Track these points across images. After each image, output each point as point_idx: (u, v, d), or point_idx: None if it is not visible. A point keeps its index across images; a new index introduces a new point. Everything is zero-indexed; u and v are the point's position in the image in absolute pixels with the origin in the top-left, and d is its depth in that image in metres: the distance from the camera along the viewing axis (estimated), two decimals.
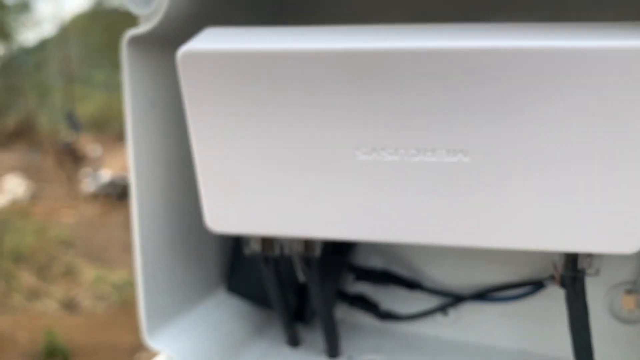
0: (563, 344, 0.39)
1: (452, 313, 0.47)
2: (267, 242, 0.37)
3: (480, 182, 0.30)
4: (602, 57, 0.26)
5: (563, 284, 0.35)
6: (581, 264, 0.33)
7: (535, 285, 0.43)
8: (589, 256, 0.33)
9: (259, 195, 0.33)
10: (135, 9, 0.35)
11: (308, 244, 0.37)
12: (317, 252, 0.37)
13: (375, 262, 0.49)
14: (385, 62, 0.29)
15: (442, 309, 0.46)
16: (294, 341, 0.46)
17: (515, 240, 0.31)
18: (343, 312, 0.50)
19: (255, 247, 0.37)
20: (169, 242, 0.40)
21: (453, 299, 0.46)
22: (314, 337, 0.46)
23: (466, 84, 0.28)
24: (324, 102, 0.30)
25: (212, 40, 0.31)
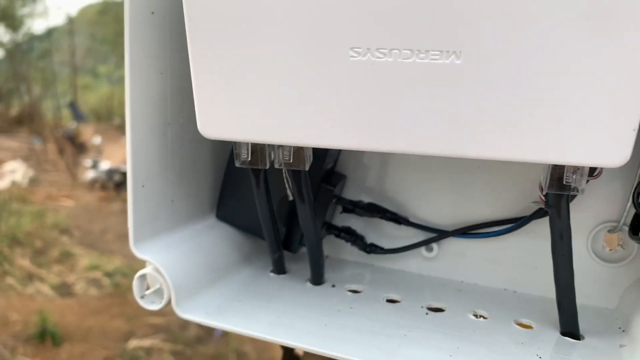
0: (545, 284, 0.40)
1: (436, 248, 0.47)
2: (257, 152, 0.38)
3: (472, 85, 0.30)
4: None
5: (548, 203, 0.35)
6: (566, 179, 0.34)
7: (516, 223, 0.44)
8: (574, 173, 0.34)
9: (251, 100, 0.34)
10: None
11: (297, 156, 0.37)
12: (306, 165, 0.37)
13: (365, 199, 0.49)
14: None
15: (427, 243, 0.47)
16: (279, 269, 0.46)
17: (503, 150, 0.32)
18: (331, 248, 0.51)
19: (245, 157, 0.37)
20: (160, 158, 0.41)
21: (437, 234, 0.46)
22: (300, 267, 0.47)
23: None
24: (321, 4, 0.31)
25: None
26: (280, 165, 0.38)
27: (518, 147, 0.31)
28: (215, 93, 0.34)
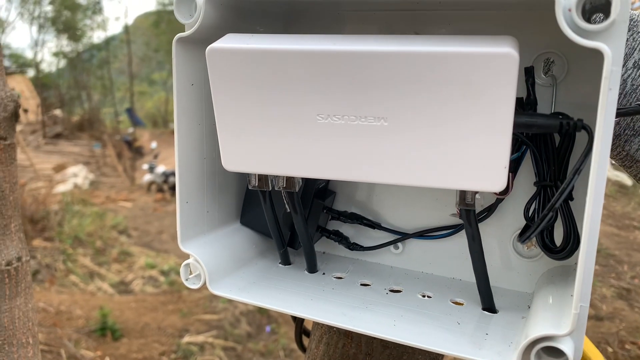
0: None
1: (401, 246, 0.63)
2: (262, 179, 0.55)
3: (395, 138, 0.46)
4: (459, 58, 0.42)
5: (460, 215, 0.51)
6: (468, 200, 0.49)
7: (456, 228, 0.59)
8: (474, 194, 0.49)
9: (255, 146, 0.51)
10: (181, 19, 0.53)
11: (289, 181, 0.54)
12: (296, 188, 0.54)
13: (352, 209, 0.66)
14: (332, 61, 0.45)
15: (394, 242, 0.63)
16: (285, 261, 0.63)
17: (419, 179, 0.47)
18: (325, 245, 0.68)
19: (254, 183, 0.55)
20: (198, 182, 0.59)
21: (402, 235, 0.62)
22: (301, 260, 0.64)
23: (380, 76, 0.45)
24: (297, 85, 0.47)
25: (228, 41, 0.49)
26: (278, 188, 0.55)
27: (429, 178, 0.47)
28: (232, 141, 0.51)
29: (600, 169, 0.40)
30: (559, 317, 0.45)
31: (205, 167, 0.60)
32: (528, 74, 0.52)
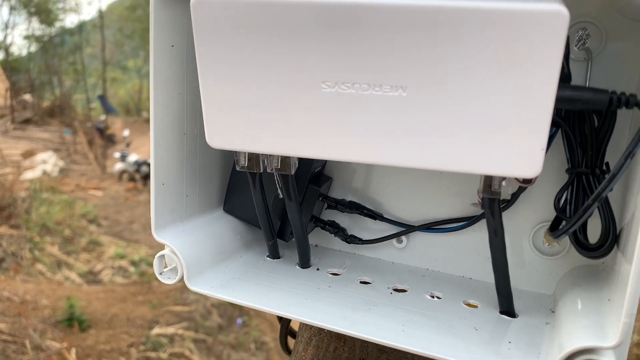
0: None
1: (405, 240, 0.56)
2: (252, 159, 0.47)
3: (414, 112, 0.39)
4: (499, 17, 0.35)
5: (483, 205, 0.44)
6: (494, 187, 0.42)
7: (470, 220, 0.52)
8: (501, 180, 0.42)
9: (247, 119, 0.43)
10: None
11: (284, 163, 0.46)
12: (292, 170, 0.47)
13: (350, 198, 0.59)
14: (344, 17, 0.38)
15: (397, 236, 0.56)
16: (274, 254, 0.56)
17: (440, 161, 0.40)
18: (319, 237, 0.60)
19: (243, 163, 0.47)
20: (177, 161, 0.51)
21: (406, 228, 0.55)
22: (292, 254, 0.56)
23: (402, 37, 0.37)
24: (299, 45, 0.40)
25: None
26: (271, 170, 0.47)
27: (452, 160, 0.40)
28: (219, 113, 0.44)
29: None
30: (599, 326, 0.38)
31: (185, 145, 0.52)
32: None
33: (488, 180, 0.42)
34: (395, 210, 0.57)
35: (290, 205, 0.49)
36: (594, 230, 0.45)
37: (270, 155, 0.46)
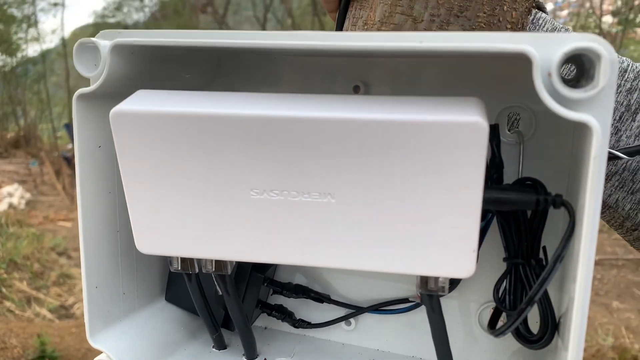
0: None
1: (354, 322, 0.55)
2: (186, 262, 0.46)
3: (344, 217, 0.39)
4: (423, 128, 0.35)
5: (422, 300, 0.43)
6: (430, 285, 0.41)
7: (415, 303, 0.52)
8: (437, 279, 0.42)
9: (175, 224, 0.42)
10: (83, 72, 0.44)
11: (218, 264, 0.45)
12: (228, 270, 0.45)
13: (298, 279, 0.57)
14: (267, 127, 0.37)
15: (346, 319, 0.55)
16: (220, 345, 0.54)
17: (371, 263, 0.40)
18: (266, 321, 0.59)
19: (177, 266, 0.45)
20: (111, 260, 0.49)
21: (355, 310, 0.54)
22: (239, 342, 0.55)
23: (327, 146, 0.37)
24: (226, 154, 0.39)
25: (137, 102, 0.40)
26: (207, 271, 0.46)
27: (384, 263, 0.39)
28: (146, 219, 0.42)
29: (589, 255, 0.33)
30: None
31: (119, 242, 0.50)
32: (493, 133, 0.45)
33: (424, 279, 0.42)
34: (344, 291, 0.56)
35: (229, 301, 0.48)
36: (535, 318, 0.45)
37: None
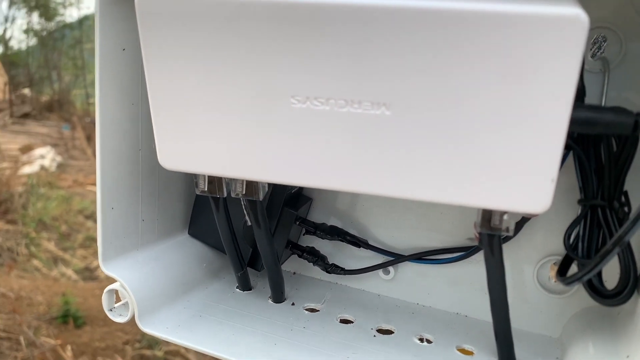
0: None
1: (393, 271, 0.50)
2: (214, 182, 0.40)
3: (400, 134, 0.33)
4: (506, 22, 0.29)
5: (481, 241, 0.37)
6: (494, 222, 0.36)
7: (467, 251, 0.46)
8: (502, 215, 0.36)
9: (204, 136, 0.36)
10: None
11: (249, 187, 0.40)
12: (260, 195, 0.40)
13: (332, 223, 0.52)
14: (316, 17, 0.32)
15: (384, 266, 0.49)
16: (244, 286, 0.49)
17: (429, 192, 0.34)
18: (297, 265, 0.54)
19: (203, 187, 0.40)
20: (131, 181, 0.44)
21: (394, 258, 0.49)
22: (266, 284, 0.50)
23: (387, 42, 0.31)
24: (265, 50, 0.33)
25: None
26: (236, 195, 0.40)
27: (444, 192, 0.33)
28: (171, 129, 0.37)
29: None
30: None
31: (141, 162, 0.45)
32: None
33: (487, 215, 0.36)
34: (383, 237, 0.51)
35: (259, 233, 0.43)
36: (611, 272, 0.38)
37: (233, 179, 0.40)
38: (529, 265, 0.46)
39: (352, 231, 0.51)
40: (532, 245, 0.45)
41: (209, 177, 0.40)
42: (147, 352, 3.60)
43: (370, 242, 0.50)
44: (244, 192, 0.40)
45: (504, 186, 0.32)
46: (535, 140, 0.31)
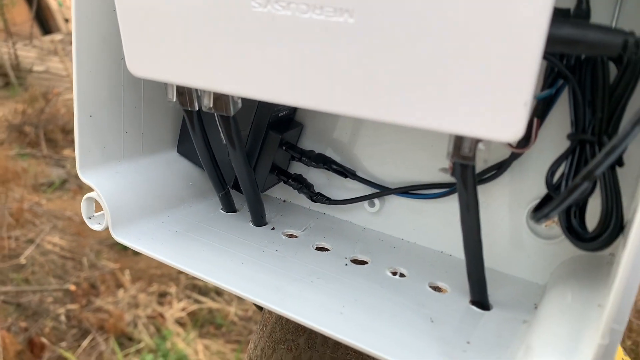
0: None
1: (378, 203, 0.48)
2: (184, 94, 0.39)
3: (363, 46, 0.30)
4: None
5: (453, 172, 0.35)
6: (465, 150, 0.33)
7: (455, 187, 0.43)
8: (475, 143, 0.33)
9: (167, 42, 0.35)
10: None
11: (219, 102, 0.38)
12: (230, 111, 0.39)
13: (326, 150, 0.50)
14: None
15: (369, 198, 0.47)
16: (228, 207, 0.49)
17: (393, 113, 0.31)
18: (285, 192, 0.53)
19: (171, 97, 0.39)
20: (112, 92, 0.44)
21: (380, 190, 0.47)
22: None
23: None
24: None
25: None
26: (207, 109, 0.39)
27: (408, 112, 0.31)
28: (137, 35, 0.36)
29: None
30: (574, 341, 0.29)
31: (123, 70, 0.44)
32: None
33: (458, 142, 0.33)
34: (373, 169, 0.48)
35: (234, 154, 0.42)
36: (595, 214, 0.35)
37: (201, 89, 0.39)
38: (519, 207, 0.43)
39: (344, 163, 0.49)
40: (523, 186, 0.42)
41: (178, 87, 0.39)
42: (200, 282, 3.76)
43: (358, 173, 0.48)
44: (211, 106, 0.38)
45: (473, 109, 0.29)
46: (507, 59, 0.28)
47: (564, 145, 0.38)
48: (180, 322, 2.63)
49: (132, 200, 0.45)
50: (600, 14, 0.36)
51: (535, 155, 0.41)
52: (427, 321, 0.37)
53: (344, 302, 0.38)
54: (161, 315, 2.78)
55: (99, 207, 0.44)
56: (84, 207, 0.44)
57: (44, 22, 5.56)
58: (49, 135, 4.73)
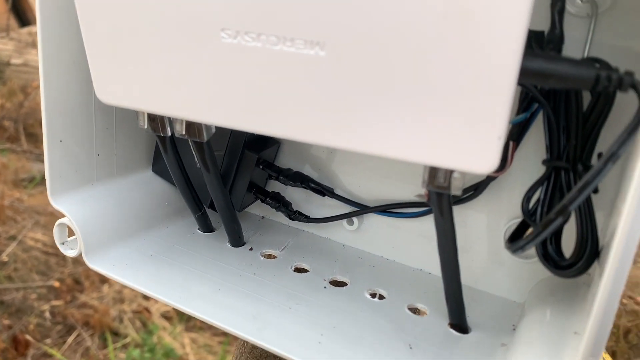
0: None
1: (357, 222, 0.47)
2: (156, 121, 0.38)
3: (335, 79, 0.30)
4: None
5: (429, 200, 0.34)
6: (439, 180, 0.33)
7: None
8: (450, 173, 0.32)
9: (135, 70, 0.34)
10: None
11: (192, 128, 0.38)
12: (204, 137, 0.38)
13: (304, 167, 0.50)
14: None
15: (348, 216, 0.47)
16: (205, 227, 0.48)
17: (365, 143, 0.31)
18: (264, 210, 0.52)
19: (143, 124, 0.38)
20: (82, 113, 0.43)
21: (359, 209, 0.46)
22: None
23: None
24: None
25: None
26: (180, 135, 0.38)
27: (381, 143, 0.30)
28: (105, 62, 0.35)
29: None
30: None
31: (94, 94, 0.43)
32: None
33: (433, 172, 0.33)
34: (351, 186, 0.48)
35: (208, 177, 0.41)
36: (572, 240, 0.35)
37: (172, 117, 0.38)
38: (497, 225, 0.43)
39: (323, 180, 0.49)
40: (500, 206, 0.42)
41: (149, 114, 0.38)
42: None
43: (338, 192, 0.48)
44: (183, 132, 0.38)
45: (446, 142, 0.29)
46: (479, 92, 0.27)
47: (534, 165, 0.38)
48: (166, 317, 2.61)
49: (106, 225, 0.44)
50: (573, 37, 0.36)
51: (514, 174, 0.41)
52: (406, 347, 0.36)
53: (322, 329, 0.37)
54: (147, 310, 2.76)
55: (72, 232, 0.44)
56: (56, 233, 0.43)
57: (21, 14, 5.44)
58: (29, 129, 4.65)
